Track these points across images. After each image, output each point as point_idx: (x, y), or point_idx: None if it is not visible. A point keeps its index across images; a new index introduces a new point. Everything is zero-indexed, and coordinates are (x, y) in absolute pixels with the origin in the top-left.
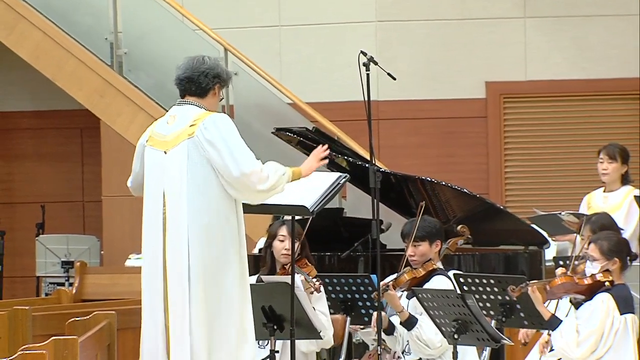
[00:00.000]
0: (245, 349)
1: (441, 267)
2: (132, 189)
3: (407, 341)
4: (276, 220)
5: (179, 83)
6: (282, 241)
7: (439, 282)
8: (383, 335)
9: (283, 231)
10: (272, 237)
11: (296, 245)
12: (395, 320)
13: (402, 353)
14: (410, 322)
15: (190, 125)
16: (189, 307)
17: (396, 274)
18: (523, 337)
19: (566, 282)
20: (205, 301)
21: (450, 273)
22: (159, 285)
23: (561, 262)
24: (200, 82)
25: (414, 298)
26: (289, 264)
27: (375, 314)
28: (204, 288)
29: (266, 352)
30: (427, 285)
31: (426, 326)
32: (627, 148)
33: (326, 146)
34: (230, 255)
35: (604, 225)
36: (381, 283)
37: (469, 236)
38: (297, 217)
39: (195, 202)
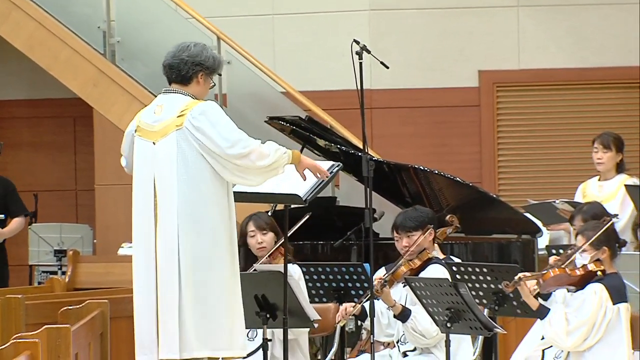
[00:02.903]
0: (235, 338)
1: (437, 255)
2: (127, 168)
3: (403, 331)
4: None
5: (163, 69)
6: (253, 236)
7: (435, 271)
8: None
9: (251, 227)
10: (243, 235)
11: (272, 236)
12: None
13: (397, 342)
14: (404, 315)
15: (178, 116)
16: (179, 296)
17: (392, 269)
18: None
19: (559, 274)
20: (195, 290)
21: (455, 260)
22: (151, 275)
23: (554, 251)
24: (180, 70)
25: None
26: (268, 257)
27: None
28: (194, 278)
29: (255, 344)
30: (423, 275)
31: (420, 317)
32: (621, 136)
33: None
34: (221, 245)
35: (596, 214)
36: (377, 278)
37: (458, 225)
38: (291, 206)
39: (186, 193)
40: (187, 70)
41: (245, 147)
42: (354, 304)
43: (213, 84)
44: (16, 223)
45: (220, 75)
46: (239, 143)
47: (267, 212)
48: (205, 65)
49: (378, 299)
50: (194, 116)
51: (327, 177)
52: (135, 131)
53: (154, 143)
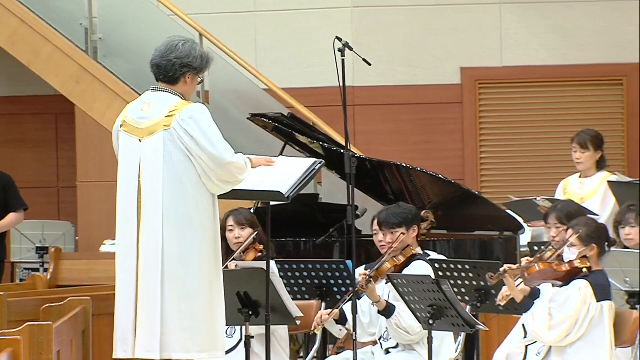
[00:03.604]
0: (216, 339)
1: (420, 252)
2: None
3: (386, 328)
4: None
5: (151, 68)
6: (232, 231)
7: (419, 268)
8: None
9: (230, 221)
10: (222, 229)
11: (249, 232)
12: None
13: (380, 339)
14: (388, 311)
15: (167, 116)
16: (162, 295)
17: (375, 265)
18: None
19: (544, 268)
20: (178, 289)
21: (435, 255)
22: (132, 272)
23: (536, 248)
24: (167, 71)
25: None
26: (244, 252)
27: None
28: (177, 277)
29: (234, 341)
30: (407, 271)
31: (405, 313)
32: (600, 133)
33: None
34: (205, 246)
35: (570, 213)
36: (361, 274)
37: (433, 220)
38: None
39: (171, 193)
40: (175, 72)
41: (231, 157)
42: (329, 310)
43: (201, 80)
44: (14, 217)
45: (205, 72)
46: (227, 153)
47: (250, 208)
48: (193, 67)
49: (362, 295)
50: (183, 119)
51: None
52: (121, 126)
53: (140, 140)
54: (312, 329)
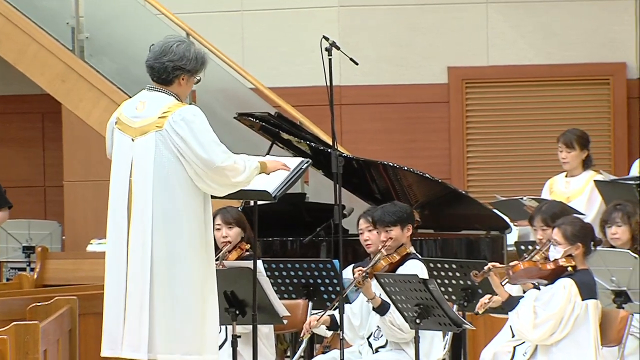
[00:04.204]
0: (207, 342)
1: (414, 251)
2: (109, 157)
3: (377, 327)
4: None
5: (146, 68)
6: (219, 229)
7: (414, 267)
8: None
9: (218, 220)
10: None
11: (238, 231)
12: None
13: (368, 338)
14: (383, 308)
15: (160, 117)
16: (150, 295)
17: (370, 262)
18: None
19: (529, 267)
20: (166, 290)
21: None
22: (122, 272)
23: (522, 247)
24: (160, 73)
25: None
26: (230, 251)
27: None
28: (165, 277)
29: (219, 341)
30: (401, 270)
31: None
32: (586, 133)
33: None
34: (195, 247)
35: (555, 214)
36: (357, 270)
37: (418, 219)
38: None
39: (160, 193)
40: (168, 74)
41: (223, 161)
42: (317, 317)
43: (198, 79)
44: None
45: (201, 72)
46: (218, 156)
47: (238, 207)
48: (187, 69)
49: (356, 297)
50: (175, 120)
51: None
52: (116, 123)
53: (132, 139)
54: (301, 335)
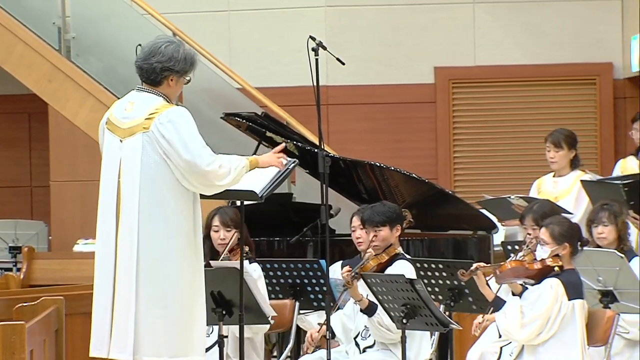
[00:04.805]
0: (194, 343)
1: (402, 251)
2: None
3: (364, 326)
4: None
5: (135, 69)
6: (217, 231)
7: (402, 267)
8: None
9: (216, 221)
10: (207, 227)
11: (235, 233)
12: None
13: (356, 338)
14: (370, 309)
15: (146, 118)
16: (136, 296)
17: (359, 263)
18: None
19: (516, 266)
20: (152, 291)
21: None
22: (110, 272)
23: (509, 247)
24: (149, 74)
25: None
26: (230, 252)
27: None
28: (152, 278)
29: (210, 341)
30: (390, 270)
31: None
32: (573, 132)
33: (283, 145)
34: (183, 248)
35: (545, 213)
36: (346, 270)
37: (411, 219)
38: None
39: (147, 195)
40: (156, 75)
41: (209, 164)
42: (317, 328)
43: (188, 80)
44: None
45: (190, 72)
46: (203, 159)
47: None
48: (175, 70)
49: (346, 303)
50: (161, 122)
51: (283, 164)
52: (106, 124)
53: (121, 140)
54: (305, 349)
